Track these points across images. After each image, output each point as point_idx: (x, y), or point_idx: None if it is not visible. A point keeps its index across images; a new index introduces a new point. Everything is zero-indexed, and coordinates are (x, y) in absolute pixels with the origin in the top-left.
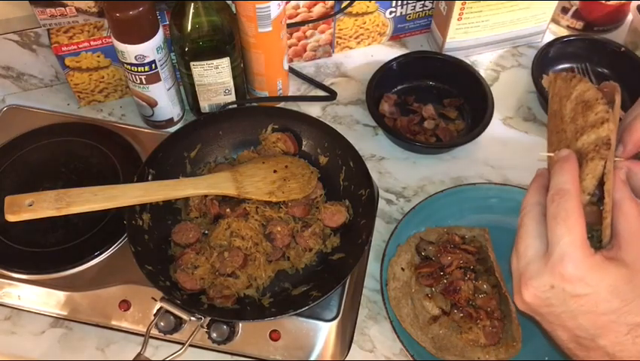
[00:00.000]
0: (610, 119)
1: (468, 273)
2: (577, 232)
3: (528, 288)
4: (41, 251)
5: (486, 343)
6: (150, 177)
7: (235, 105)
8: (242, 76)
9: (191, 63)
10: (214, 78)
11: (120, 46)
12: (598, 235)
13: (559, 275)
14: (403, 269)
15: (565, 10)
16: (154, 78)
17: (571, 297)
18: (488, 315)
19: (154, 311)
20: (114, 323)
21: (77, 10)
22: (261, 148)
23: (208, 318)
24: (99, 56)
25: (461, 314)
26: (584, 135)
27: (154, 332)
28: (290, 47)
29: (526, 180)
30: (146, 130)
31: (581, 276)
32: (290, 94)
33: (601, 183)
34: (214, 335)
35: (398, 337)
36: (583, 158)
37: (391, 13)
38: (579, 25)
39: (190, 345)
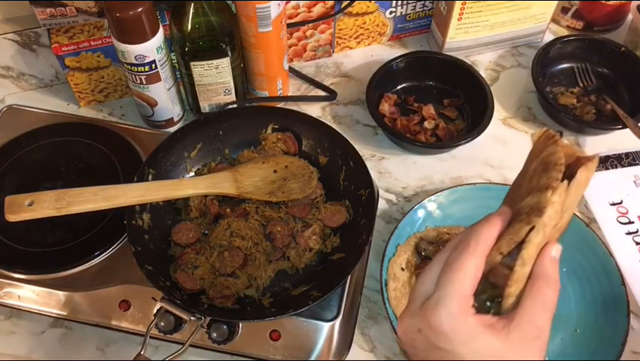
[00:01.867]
0: (556, 190)
1: None
2: (462, 287)
3: (400, 323)
4: (41, 251)
5: None
6: (150, 177)
7: (235, 105)
8: (242, 76)
9: (191, 63)
10: (214, 78)
11: (120, 46)
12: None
13: (427, 322)
14: (403, 269)
15: (565, 10)
16: (154, 78)
17: (432, 347)
18: None
19: (154, 311)
20: (114, 323)
21: (77, 10)
22: (261, 148)
23: (208, 318)
24: (99, 56)
25: None
26: (529, 197)
27: (154, 332)
28: (290, 47)
29: None
30: (146, 130)
31: (445, 331)
32: (290, 94)
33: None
34: (214, 335)
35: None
36: (516, 217)
37: (391, 13)
38: (579, 25)
39: (190, 345)
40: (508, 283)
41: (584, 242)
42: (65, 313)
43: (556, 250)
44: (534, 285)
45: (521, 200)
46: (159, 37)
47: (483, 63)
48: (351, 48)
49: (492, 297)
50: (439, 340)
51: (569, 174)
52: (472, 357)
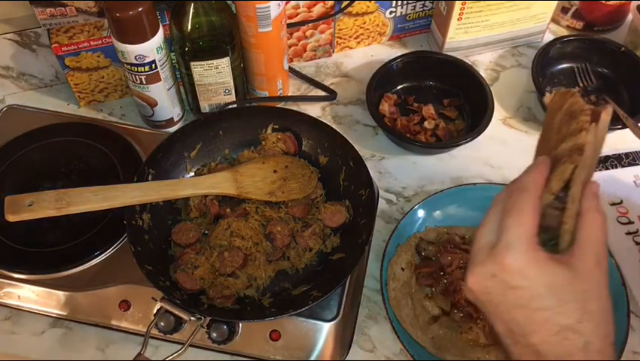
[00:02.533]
0: (589, 130)
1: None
2: (526, 227)
3: (471, 274)
4: (41, 251)
5: (486, 343)
6: (150, 177)
7: (235, 105)
8: (242, 76)
9: (191, 63)
10: (214, 78)
11: (120, 46)
12: (557, 240)
13: (500, 265)
14: (403, 269)
15: (565, 10)
16: (154, 78)
17: (509, 288)
18: None
19: (154, 311)
20: (114, 323)
21: (77, 10)
22: (261, 148)
23: (208, 318)
24: (99, 56)
25: (461, 314)
26: (563, 143)
27: (154, 332)
28: (290, 47)
29: None
30: (146, 130)
31: (520, 268)
32: (290, 94)
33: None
34: (214, 335)
35: (398, 337)
36: (557, 163)
37: (391, 13)
38: (579, 25)
39: (190, 345)
40: (564, 221)
41: None
42: (65, 314)
43: (595, 187)
44: (586, 217)
45: (555, 149)
46: (159, 37)
47: (483, 63)
48: (351, 48)
49: (544, 241)
50: (515, 279)
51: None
52: (548, 290)
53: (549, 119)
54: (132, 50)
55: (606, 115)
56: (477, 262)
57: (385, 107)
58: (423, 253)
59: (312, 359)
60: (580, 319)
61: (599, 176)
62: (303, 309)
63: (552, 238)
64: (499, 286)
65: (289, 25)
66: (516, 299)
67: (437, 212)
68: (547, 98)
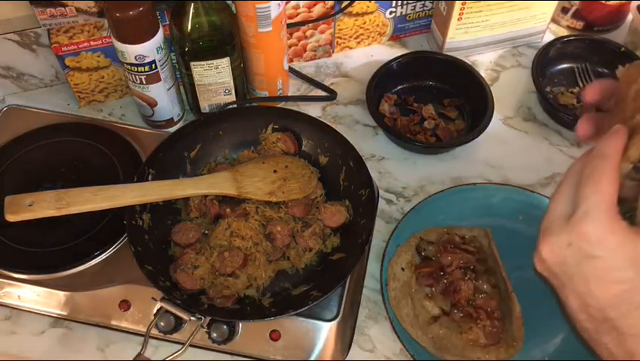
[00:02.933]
0: None
1: (468, 273)
2: (606, 195)
3: (545, 244)
4: (41, 251)
5: (486, 343)
6: (150, 177)
7: (235, 105)
8: (242, 76)
9: (191, 63)
10: (214, 78)
11: (120, 46)
12: (634, 212)
13: (577, 233)
14: (403, 269)
15: (565, 10)
16: (154, 78)
17: (585, 258)
18: (488, 315)
19: (154, 311)
20: (114, 323)
21: (77, 10)
22: (261, 148)
23: (208, 318)
24: (99, 56)
25: (461, 314)
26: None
27: (154, 332)
28: (290, 47)
29: (526, 180)
30: (146, 130)
31: (600, 237)
32: (290, 94)
33: None
34: (214, 335)
35: (398, 337)
36: (634, 132)
37: (391, 13)
38: (579, 25)
39: (190, 345)
40: None
41: None
42: (65, 313)
43: None
44: None
45: (631, 119)
46: (159, 37)
47: (483, 63)
48: (351, 48)
49: (621, 213)
50: (593, 248)
51: None
52: (628, 262)
53: (623, 92)
54: (132, 50)
55: None
56: (552, 232)
57: (385, 107)
58: (423, 253)
59: (312, 359)
60: None
61: None
62: (303, 309)
63: (628, 211)
64: (576, 255)
65: (289, 25)
66: (593, 270)
67: (437, 212)
68: (619, 71)
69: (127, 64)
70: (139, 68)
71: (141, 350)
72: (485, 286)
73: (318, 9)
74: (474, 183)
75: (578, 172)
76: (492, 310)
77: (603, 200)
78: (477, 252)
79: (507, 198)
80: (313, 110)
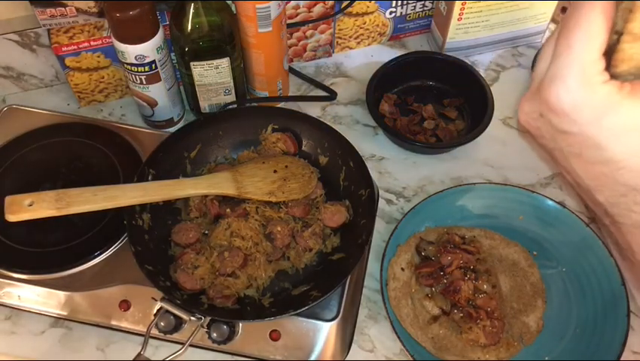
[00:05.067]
0: None
1: (468, 273)
2: (583, 49)
3: (520, 112)
4: (41, 251)
5: (486, 343)
6: (150, 177)
7: (235, 105)
8: (242, 76)
9: (191, 63)
10: (214, 78)
11: (120, 46)
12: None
13: (545, 102)
14: (403, 269)
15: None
16: (154, 78)
17: (558, 133)
18: (488, 315)
19: (154, 311)
20: (114, 323)
21: (77, 10)
22: (261, 148)
23: (208, 318)
24: (99, 56)
25: (461, 314)
26: None
27: (154, 332)
28: (290, 47)
29: (526, 180)
30: (146, 130)
31: (568, 108)
32: (290, 94)
33: None
34: (214, 335)
35: (398, 337)
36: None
37: (391, 13)
38: None
39: (190, 345)
40: (621, 40)
41: (584, 242)
42: (65, 313)
43: None
44: None
45: None
46: (159, 38)
47: (483, 63)
48: (351, 48)
49: (613, 71)
50: (562, 122)
51: None
52: (608, 137)
53: None
54: (132, 50)
55: None
56: (528, 94)
57: (385, 107)
58: (423, 253)
59: (312, 359)
60: None
61: None
62: (303, 309)
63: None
64: (548, 128)
65: (289, 25)
66: (569, 147)
67: (437, 212)
68: None
69: (127, 64)
70: (139, 68)
71: (141, 350)
72: (485, 286)
73: (318, 9)
74: (474, 183)
75: (565, 18)
76: (492, 310)
77: (575, 57)
78: (477, 252)
79: (507, 198)
80: (313, 110)
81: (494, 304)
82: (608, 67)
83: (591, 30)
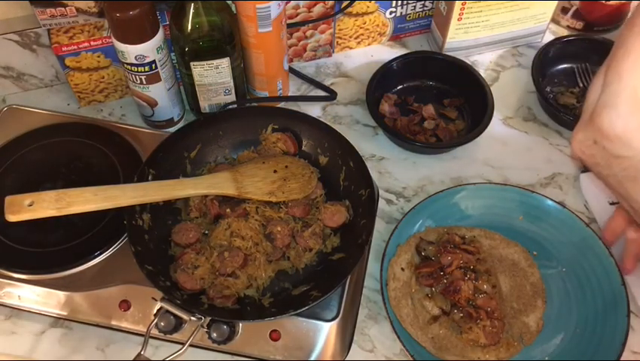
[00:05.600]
0: None
1: (468, 273)
2: (631, 77)
3: (575, 140)
4: (41, 251)
5: (486, 343)
6: (150, 177)
7: (235, 105)
8: (242, 76)
9: (191, 63)
10: (214, 78)
11: (120, 46)
12: None
13: (598, 129)
14: (403, 269)
15: (565, 10)
16: (154, 78)
17: (612, 158)
18: (488, 315)
19: (154, 311)
20: (114, 323)
21: (77, 10)
22: (261, 148)
23: (208, 318)
24: (99, 56)
25: (461, 314)
26: None
27: (154, 332)
28: (290, 47)
29: (526, 180)
30: (146, 130)
31: (620, 133)
32: (290, 94)
33: None
34: (214, 335)
35: (398, 337)
36: None
37: (391, 13)
38: (579, 25)
39: (190, 345)
40: None
41: (584, 242)
42: (65, 313)
43: None
44: None
45: None
46: (159, 37)
47: (483, 63)
48: (351, 48)
49: None
50: (616, 147)
51: None
52: None
53: None
54: (132, 50)
55: None
56: (580, 126)
57: (385, 107)
58: (423, 253)
59: (312, 359)
60: None
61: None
62: (303, 309)
63: None
64: (603, 154)
65: (289, 25)
66: (623, 171)
67: (437, 212)
68: None
69: (127, 64)
70: (139, 68)
71: (141, 350)
72: (485, 287)
73: (318, 9)
74: (474, 183)
75: (613, 50)
76: (492, 310)
77: (624, 85)
78: (477, 252)
79: (507, 198)
80: (313, 110)
81: (494, 304)
82: None
83: (639, 59)
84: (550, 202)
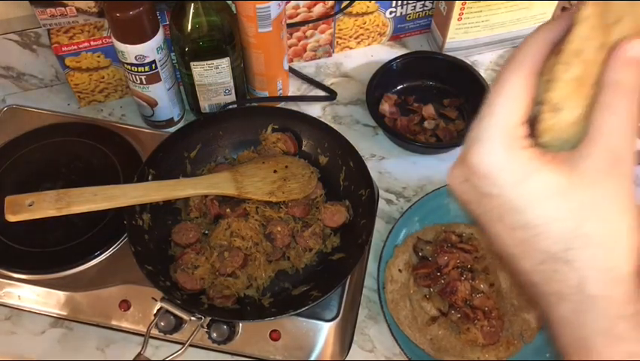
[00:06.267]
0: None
1: (465, 273)
2: (503, 114)
3: (449, 175)
4: (41, 251)
5: (485, 343)
6: (150, 177)
7: (235, 105)
8: (242, 76)
9: (191, 63)
10: (214, 78)
11: (120, 46)
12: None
13: (468, 165)
14: (400, 271)
15: (565, 10)
16: (154, 78)
17: (482, 196)
18: (485, 315)
19: (154, 311)
20: (114, 323)
21: (78, 10)
22: (261, 148)
23: (208, 318)
24: (99, 56)
25: (459, 315)
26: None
27: (154, 332)
28: (290, 47)
29: None
30: (146, 130)
31: (489, 170)
32: (290, 94)
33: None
34: (214, 335)
35: (396, 340)
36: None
37: (391, 13)
38: None
39: (190, 345)
40: (541, 112)
41: None
42: (65, 313)
43: (633, 48)
44: (600, 99)
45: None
46: (159, 38)
47: (483, 63)
48: (351, 48)
49: (554, 141)
50: (484, 185)
51: None
52: (527, 201)
53: None
54: (132, 50)
55: None
56: (457, 159)
57: (385, 107)
58: (420, 253)
59: (312, 359)
60: (569, 245)
61: None
62: (303, 309)
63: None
64: (473, 192)
65: (289, 25)
66: (491, 210)
67: (435, 210)
68: None
69: (127, 64)
70: (139, 68)
71: (141, 350)
72: (482, 286)
73: (318, 9)
74: None
75: (492, 85)
76: (490, 309)
77: (495, 121)
78: (475, 250)
79: None
80: (313, 110)
81: (491, 303)
82: (534, 136)
83: (511, 95)
84: None
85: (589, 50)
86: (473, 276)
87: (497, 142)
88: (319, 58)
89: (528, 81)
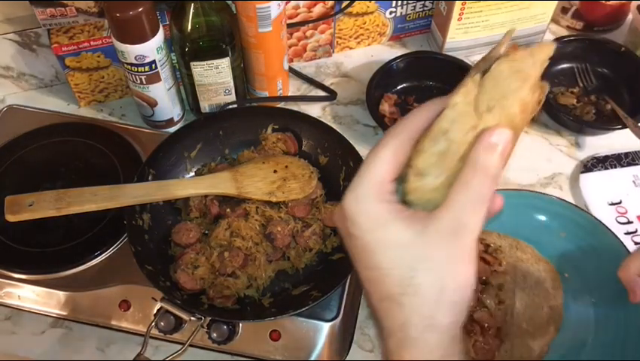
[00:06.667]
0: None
1: (476, 284)
2: (375, 170)
3: (334, 213)
4: (41, 251)
5: (476, 358)
6: (150, 177)
7: (235, 105)
8: (242, 76)
9: (191, 63)
10: (214, 78)
11: (120, 46)
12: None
13: (343, 208)
14: None
15: (565, 10)
16: (154, 78)
17: (349, 235)
18: (483, 331)
19: (154, 311)
20: (114, 323)
21: (77, 10)
22: (261, 148)
23: (208, 318)
24: (99, 56)
25: None
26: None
27: (154, 332)
28: (290, 47)
29: (526, 180)
30: (146, 130)
31: (353, 214)
32: (290, 94)
33: None
34: (214, 335)
35: None
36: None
37: (391, 13)
38: (579, 25)
39: (190, 345)
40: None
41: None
42: (65, 313)
43: (498, 136)
44: (461, 175)
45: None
46: (159, 37)
47: None
48: (351, 48)
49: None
50: (349, 226)
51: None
52: (377, 246)
53: None
54: (132, 50)
55: (508, 62)
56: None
57: (385, 107)
58: None
59: (312, 359)
60: (403, 290)
61: (598, 176)
62: (303, 309)
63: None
64: (345, 231)
65: (289, 25)
66: (355, 248)
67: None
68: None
69: (127, 64)
70: (139, 68)
71: (141, 350)
72: (488, 301)
73: (318, 9)
74: (542, 193)
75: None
76: (489, 326)
77: (368, 175)
78: (499, 263)
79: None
80: (313, 110)
81: (492, 321)
82: (402, 194)
83: (384, 156)
84: (602, 226)
85: (456, 130)
86: (483, 289)
87: (365, 193)
88: (319, 58)
89: (402, 147)
